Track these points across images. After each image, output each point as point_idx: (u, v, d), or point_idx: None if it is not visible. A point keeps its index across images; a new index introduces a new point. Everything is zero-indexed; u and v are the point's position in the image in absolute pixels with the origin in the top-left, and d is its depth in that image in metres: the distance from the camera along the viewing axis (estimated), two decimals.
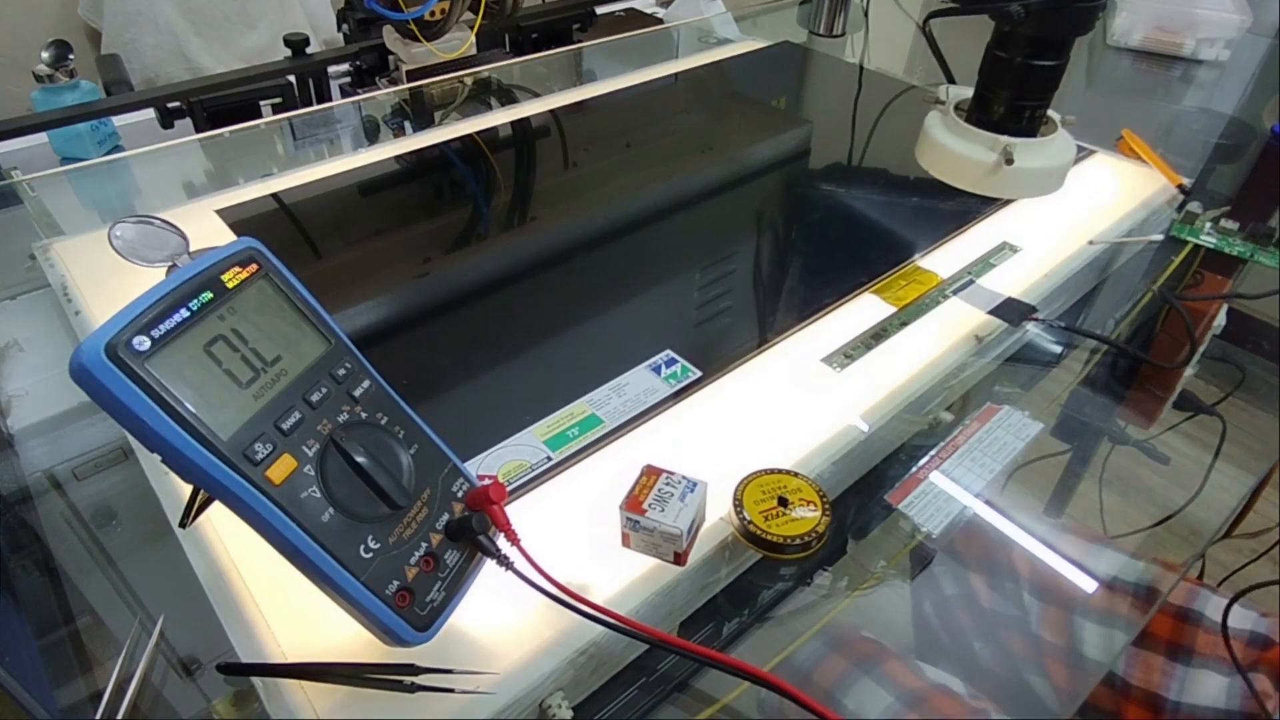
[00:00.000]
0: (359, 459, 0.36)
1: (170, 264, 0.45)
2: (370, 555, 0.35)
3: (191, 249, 0.44)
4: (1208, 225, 0.76)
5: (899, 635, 0.59)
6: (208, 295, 0.34)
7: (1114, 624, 0.58)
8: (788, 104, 1.04)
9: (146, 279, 0.65)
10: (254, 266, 0.36)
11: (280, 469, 0.34)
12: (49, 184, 0.82)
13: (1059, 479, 0.80)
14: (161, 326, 0.32)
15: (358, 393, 0.37)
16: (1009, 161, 0.51)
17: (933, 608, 0.61)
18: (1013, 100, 0.51)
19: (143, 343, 0.31)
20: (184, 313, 0.33)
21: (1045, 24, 0.48)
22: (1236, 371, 0.81)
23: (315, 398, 0.36)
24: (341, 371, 0.37)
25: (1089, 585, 0.59)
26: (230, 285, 0.35)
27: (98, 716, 0.40)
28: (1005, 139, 0.51)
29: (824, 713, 0.36)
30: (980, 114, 0.53)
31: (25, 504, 0.56)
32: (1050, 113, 0.54)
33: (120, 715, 0.39)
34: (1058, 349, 0.67)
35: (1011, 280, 0.66)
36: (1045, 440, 0.67)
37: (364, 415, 0.37)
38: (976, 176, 0.52)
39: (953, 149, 0.53)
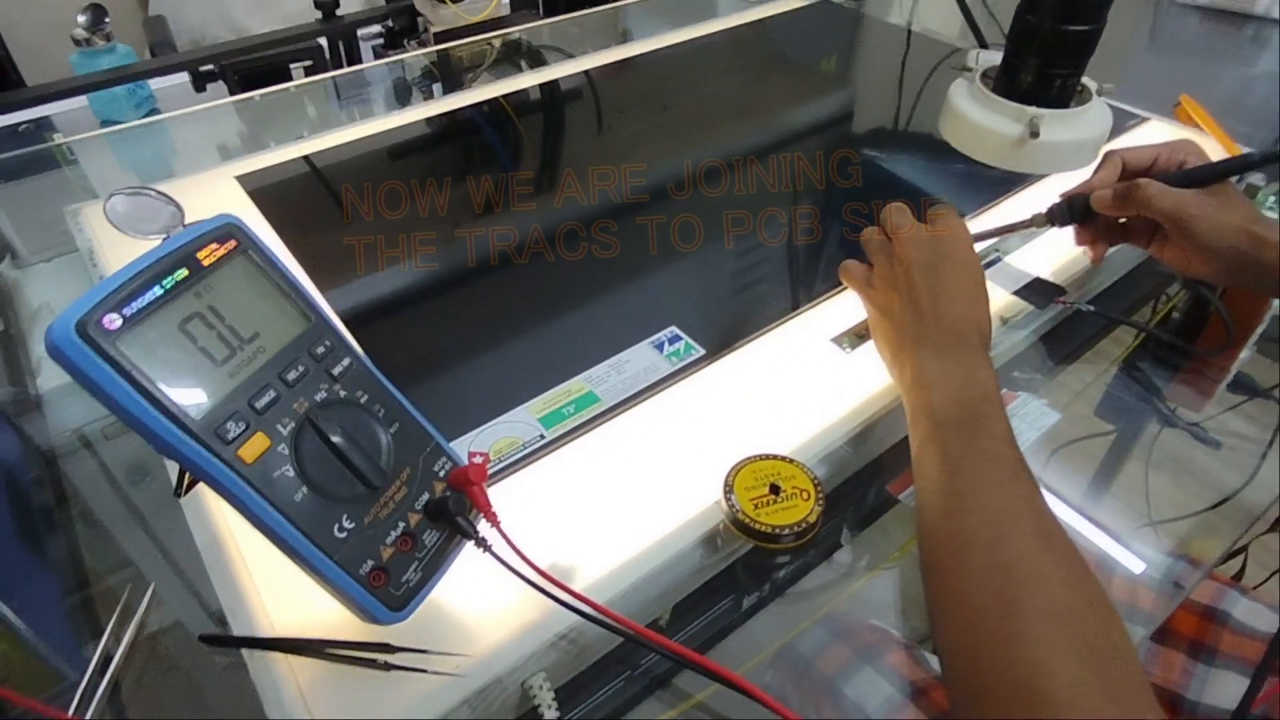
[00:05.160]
0: (334, 438, 0.36)
1: (164, 236, 0.45)
2: (344, 535, 0.35)
3: (187, 221, 0.44)
4: (1270, 199, 0.71)
5: (912, 625, 0.58)
6: (182, 272, 0.34)
7: (1135, 619, 0.56)
8: (816, 67, 1.00)
9: None
10: (232, 243, 0.36)
11: (253, 448, 0.34)
12: (88, 147, 0.84)
13: (1102, 459, 0.76)
14: (133, 304, 0.32)
15: (337, 371, 0.37)
16: (1035, 134, 0.48)
17: None
18: (1042, 68, 0.48)
19: (114, 320, 0.31)
20: (157, 290, 0.33)
21: None
22: None
23: (292, 376, 0.36)
24: (320, 349, 0.37)
25: (1107, 577, 0.57)
26: (207, 263, 0.35)
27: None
28: (1033, 110, 0.48)
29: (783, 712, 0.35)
30: (1007, 83, 0.50)
31: (54, 462, 0.58)
32: (1085, 80, 0.50)
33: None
34: (1090, 332, 0.63)
35: (1042, 259, 0.63)
36: (1089, 420, 0.64)
37: (343, 394, 0.37)
38: (1000, 150, 0.49)
39: (976, 120, 0.50)
